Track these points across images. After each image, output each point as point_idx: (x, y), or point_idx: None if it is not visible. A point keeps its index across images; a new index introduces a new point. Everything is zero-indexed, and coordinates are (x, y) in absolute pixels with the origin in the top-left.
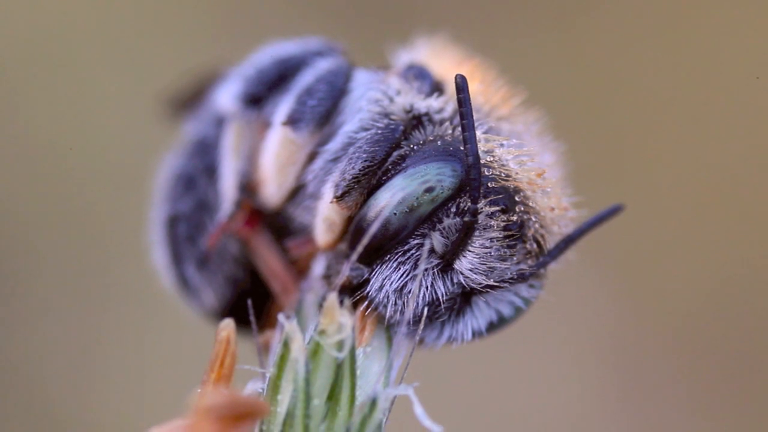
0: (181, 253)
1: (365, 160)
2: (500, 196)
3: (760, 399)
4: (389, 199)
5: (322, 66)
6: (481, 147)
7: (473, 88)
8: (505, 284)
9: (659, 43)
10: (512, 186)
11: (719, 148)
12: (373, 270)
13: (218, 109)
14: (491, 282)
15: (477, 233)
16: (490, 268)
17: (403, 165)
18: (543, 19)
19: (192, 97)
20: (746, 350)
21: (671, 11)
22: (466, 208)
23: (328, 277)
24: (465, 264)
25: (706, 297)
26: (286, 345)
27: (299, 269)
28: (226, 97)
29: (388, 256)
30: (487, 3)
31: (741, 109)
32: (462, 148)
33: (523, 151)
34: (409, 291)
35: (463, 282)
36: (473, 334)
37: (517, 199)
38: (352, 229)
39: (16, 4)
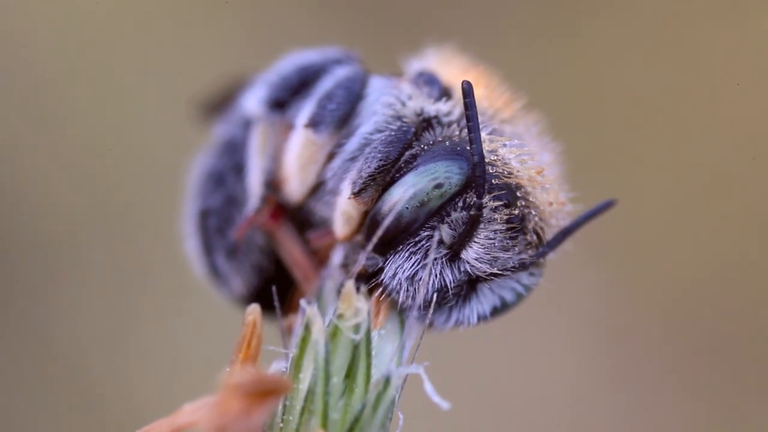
0: (211, 244)
1: (380, 160)
2: (503, 191)
3: (744, 379)
4: (402, 195)
5: (340, 73)
6: (486, 147)
7: (478, 93)
8: (508, 272)
9: (647, 54)
10: (514, 183)
11: (703, 148)
12: (386, 259)
13: (246, 113)
14: (495, 270)
15: (482, 226)
16: (493, 257)
17: (415, 163)
18: (541, 32)
19: (222, 102)
20: (732, 334)
21: (657, 25)
22: (472, 203)
23: (345, 266)
24: (471, 254)
25: (693, 283)
26: (307, 328)
27: (319, 259)
28: (253, 101)
29: (401, 246)
30: (491, 17)
31: (723, 113)
32: (468, 148)
33: (524, 150)
34: (420, 278)
35: (469, 270)
36: (478, 318)
37: (518, 194)
38: (367, 222)
39: (61, 16)
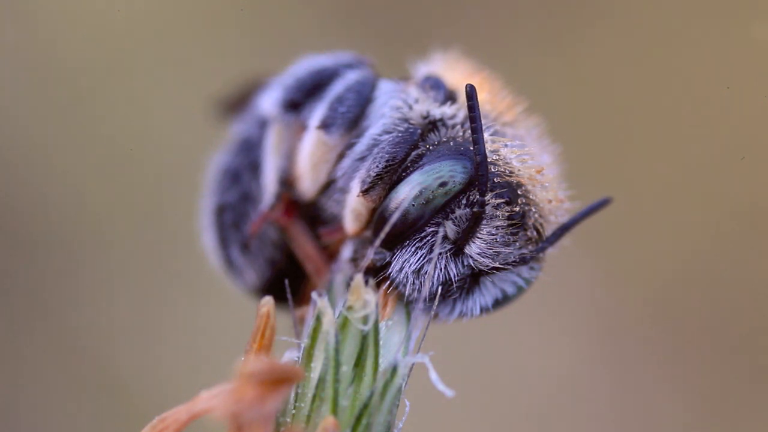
0: (227, 238)
1: (388, 159)
2: (505, 189)
3: (730, 363)
4: (408, 193)
5: (351, 77)
6: (488, 147)
7: (481, 97)
8: (509, 266)
9: (640, 61)
10: (515, 181)
11: (694, 149)
12: (394, 254)
13: (261, 113)
14: (497, 264)
15: (484, 222)
16: (495, 252)
17: (421, 163)
18: (541, 41)
19: (239, 102)
20: (718, 321)
21: (650, 35)
22: (475, 200)
23: (355, 260)
24: (474, 249)
25: (677, 271)
26: (318, 319)
27: (330, 253)
28: (269, 102)
29: (407, 242)
30: (494, 25)
31: (714, 116)
32: (471, 148)
33: (524, 151)
34: (426, 272)
35: (473, 264)
36: (481, 310)
37: (519, 192)
38: (376, 218)
39: (90, 24)
